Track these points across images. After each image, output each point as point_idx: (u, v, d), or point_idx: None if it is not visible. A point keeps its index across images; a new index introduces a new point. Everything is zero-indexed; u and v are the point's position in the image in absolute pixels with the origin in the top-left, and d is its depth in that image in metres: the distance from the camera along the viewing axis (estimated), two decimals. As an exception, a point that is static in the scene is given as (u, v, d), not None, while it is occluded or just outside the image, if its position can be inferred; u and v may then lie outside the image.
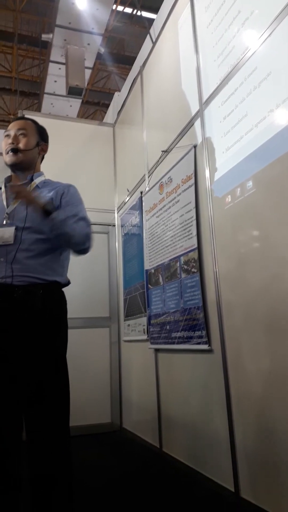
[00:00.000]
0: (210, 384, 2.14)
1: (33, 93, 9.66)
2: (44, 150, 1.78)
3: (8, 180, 1.75)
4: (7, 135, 1.68)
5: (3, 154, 1.69)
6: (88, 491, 2.12)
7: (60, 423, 1.48)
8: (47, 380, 1.48)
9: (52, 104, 7.73)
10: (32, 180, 1.71)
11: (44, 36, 6.85)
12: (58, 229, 1.52)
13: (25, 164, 1.68)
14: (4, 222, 1.59)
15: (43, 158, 1.81)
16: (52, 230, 1.52)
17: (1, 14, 8.64)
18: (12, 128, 1.69)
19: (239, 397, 1.89)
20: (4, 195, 1.68)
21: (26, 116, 3.93)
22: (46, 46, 7.12)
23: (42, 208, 1.50)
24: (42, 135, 1.76)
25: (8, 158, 1.66)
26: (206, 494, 2.01)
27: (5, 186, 1.72)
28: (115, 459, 2.76)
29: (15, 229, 1.56)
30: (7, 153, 1.66)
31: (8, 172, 1.77)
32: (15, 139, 1.67)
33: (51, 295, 1.58)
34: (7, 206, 1.64)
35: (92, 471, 2.44)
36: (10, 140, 1.66)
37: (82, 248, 1.62)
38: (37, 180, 1.72)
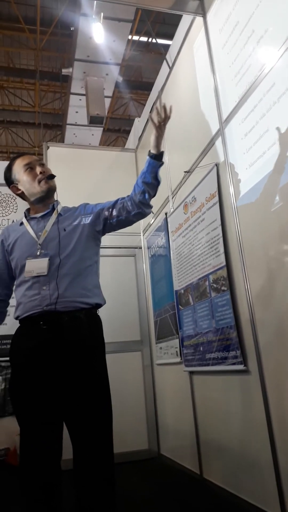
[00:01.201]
0: (249, 405, 2.07)
1: (56, 125, 10.00)
2: None
3: (28, 212, 1.80)
4: (30, 167, 1.74)
5: (32, 184, 1.74)
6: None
7: (107, 449, 1.52)
8: (95, 405, 1.52)
9: (74, 134, 7.97)
10: (54, 208, 1.77)
11: (64, 71, 7.14)
12: (157, 174, 1.72)
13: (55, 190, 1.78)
14: (38, 253, 1.63)
15: None
16: (154, 177, 1.71)
17: (24, 54, 9.07)
18: (32, 160, 1.76)
19: (280, 418, 1.81)
20: (29, 227, 1.72)
21: (50, 147, 4.06)
22: (66, 79, 7.40)
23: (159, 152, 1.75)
24: None
25: (46, 185, 1.73)
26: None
27: (26, 219, 1.76)
28: (155, 487, 2.68)
29: (50, 258, 1.61)
30: (42, 181, 1.72)
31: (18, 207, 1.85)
32: (44, 167, 1.76)
33: (94, 319, 1.64)
34: (38, 237, 1.68)
35: (131, 500, 2.38)
36: (40, 169, 1.73)
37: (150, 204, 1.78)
38: (58, 208, 1.78)
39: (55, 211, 1.76)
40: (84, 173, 4.03)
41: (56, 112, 9.81)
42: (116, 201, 1.76)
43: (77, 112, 7.41)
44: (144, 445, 3.46)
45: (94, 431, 1.49)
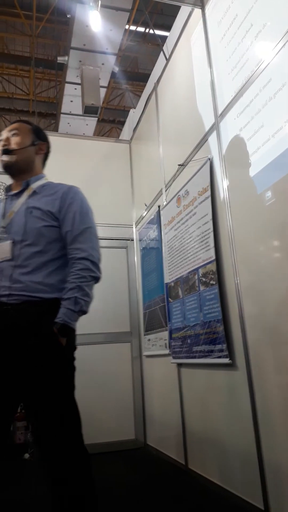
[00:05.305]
0: (235, 399, 2.09)
1: (50, 114, 9.89)
2: (42, 149, 1.67)
3: (8, 189, 1.64)
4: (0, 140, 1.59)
5: None
6: (113, 510, 2.08)
7: (66, 443, 1.34)
8: (42, 404, 1.35)
9: (68, 123, 7.88)
10: (28, 185, 1.58)
11: (60, 59, 7.04)
12: (85, 301, 1.44)
13: (19, 165, 1.57)
14: (0, 237, 1.48)
15: (45, 159, 1.71)
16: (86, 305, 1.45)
17: (19, 40, 8.95)
18: (4, 132, 1.61)
19: (265, 412, 1.84)
20: (2, 205, 1.59)
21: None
22: (61, 68, 7.29)
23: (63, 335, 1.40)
24: (38, 134, 1.65)
25: (1, 160, 1.56)
26: (234, 513, 1.95)
27: (6, 196, 1.62)
28: (140, 476, 2.71)
29: (12, 243, 1.46)
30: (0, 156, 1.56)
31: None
32: (7, 140, 1.58)
33: (49, 314, 1.41)
34: (3, 217, 1.53)
35: (116, 489, 2.41)
36: (1, 143, 1.57)
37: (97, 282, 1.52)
38: (34, 185, 1.58)
39: (29, 188, 1.57)
40: (78, 163, 4.00)
41: (51, 101, 9.70)
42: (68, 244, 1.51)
43: (72, 101, 7.32)
44: (131, 435, 3.49)
45: (47, 423, 1.34)
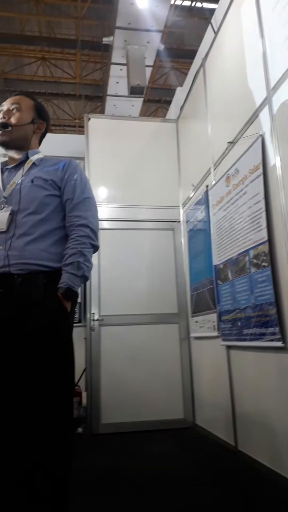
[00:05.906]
0: (287, 382, 2.05)
1: (96, 96, 9.91)
2: (40, 128, 1.66)
3: (5, 163, 1.65)
4: (0, 110, 1.58)
5: None
6: (161, 488, 2.13)
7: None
8: (37, 378, 1.30)
9: (114, 105, 7.85)
10: (27, 157, 1.59)
11: (105, 40, 6.98)
12: (87, 266, 1.45)
13: (15, 142, 1.57)
14: (1, 207, 1.48)
15: (42, 138, 1.72)
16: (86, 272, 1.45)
17: (65, 23, 8.96)
18: (6, 103, 1.58)
19: None
20: (0, 178, 1.59)
21: (92, 119, 4.03)
22: (107, 49, 7.25)
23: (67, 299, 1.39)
24: (39, 113, 1.65)
25: None
26: (285, 497, 1.93)
27: (2, 170, 1.62)
28: (189, 455, 2.75)
29: (11, 213, 1.45)
30: None
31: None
32: (8, 113, 1.56)
33: (55, 284, 1.40)
34: (4, 189, 1.53)
35: (164, 467, 2.46)
36: (1, 115, 1.56)
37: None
38: (33, 158, 1.60)
39: (28, 160, 1.58)
40: (125, 145, 3.99)
41: (97, 83, 9.70)
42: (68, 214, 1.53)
43: (117, 82, 7.27)
44: (180, 415, 3.53)
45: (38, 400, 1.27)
